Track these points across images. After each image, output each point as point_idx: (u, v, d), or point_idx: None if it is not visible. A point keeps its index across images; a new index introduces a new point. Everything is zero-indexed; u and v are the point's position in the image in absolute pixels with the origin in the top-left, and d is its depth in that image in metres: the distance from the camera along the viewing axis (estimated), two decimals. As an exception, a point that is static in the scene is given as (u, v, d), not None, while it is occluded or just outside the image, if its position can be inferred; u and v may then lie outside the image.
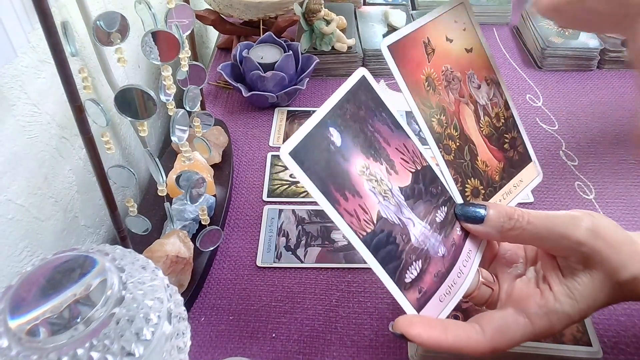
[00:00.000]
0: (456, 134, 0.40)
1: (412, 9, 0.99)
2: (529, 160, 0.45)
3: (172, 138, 0.49)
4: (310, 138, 0.31)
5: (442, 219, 0.37)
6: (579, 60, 0.85)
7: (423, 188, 0.37)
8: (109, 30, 0.42)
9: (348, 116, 0.33)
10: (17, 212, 0.44)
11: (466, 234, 0.39)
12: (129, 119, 0.43)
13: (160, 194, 0.50)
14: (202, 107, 0.71)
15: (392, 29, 0.88)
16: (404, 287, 0.34)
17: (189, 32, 0.53)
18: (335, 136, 0.32)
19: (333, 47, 0.82)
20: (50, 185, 0.48)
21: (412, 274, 0.34)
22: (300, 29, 0.83)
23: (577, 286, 0.35)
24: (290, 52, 0.76)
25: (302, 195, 0.64)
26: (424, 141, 0.39)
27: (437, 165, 0.39)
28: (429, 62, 0.39)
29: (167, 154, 0.69)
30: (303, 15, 0.81)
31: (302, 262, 0.56)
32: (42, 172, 0.47)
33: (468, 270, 0.38)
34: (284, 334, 0.50)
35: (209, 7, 0.87)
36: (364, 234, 0.32)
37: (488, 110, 0.42)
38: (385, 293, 0.53)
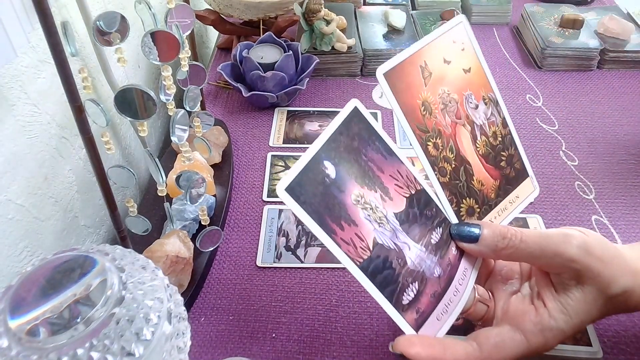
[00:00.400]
0: (452, 156, 0.40)
1: (412, 9, 0.99)
2: (526, 175, 0.46)
3: (172, 138, 0.49)
4: (306, 173, 0.32)
5: (437, 240, 0.38)
6: (579, 60, 0.85)
7: (418, 212, 0.38)
8: (109, 31, 0.42)
9: (342, 148, 0.34)
10: (17, 212, 0.44)
11: (462, 253, 0.40)
12: (129, 119, 0.43)
13: (160, 194, 0.50)
14: (202, 107, 0.71)
15: (392, 29, 0.88)
16: (401, 308, 0.35)
17: (189, 32, 0.53)
18: (330, 169, 0.33)
19: (333, 47, 0.82)
20: (50, 185, 0.48)
21: (409, 295, 0.35)
22: (300, 29, 0.83)
23: (570, 302, 0.36)
24: (290, 52, 0.76)
25: (302, 195, 0.64)
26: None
27: (432, 187, 0.39)
28: (425, 87, 0.39)
29: (167, 154, 0.69)
30: (303, 15, 0.81)
31: (302, 262, 0.56)
32: (42, 172, 0.47)
33: (464, 288, 0.39)
34: (284, 334, 0.50)
35: (209, 7, 0.87)
36: (361, 260, 0.33)
37: (485, 130, 0.43)
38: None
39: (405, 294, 0.35)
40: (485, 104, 0.43)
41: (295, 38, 0.86)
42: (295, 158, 0.70)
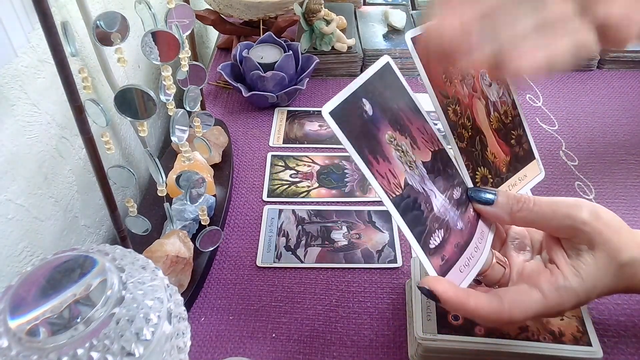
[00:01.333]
0: (469, 124, 0.42)
1: (412, 9, 0.99)
2: (533, 157, 0.47)
3: (172, 138, 0.49)
4: (347, 104, 0.33)
5: (458, 197, 0.40)
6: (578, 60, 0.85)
7: (441, 167, 0.39)
8: (109, 31, 0.42)
9: (377, 92, 0.36)
10: (17, 212, 0.44)
11: (478, 216, 0.41)
12: (129, 119, 0.43)
13: (160, 194, 0.50)
14: (202, 107, 0.71)
15: (392, 29, 0.88)
16: (428, 252, 0.36)
17: (189, 32, 0.53)
18: (367, 106, 0.35)
19: (333, 47, 0.82)
20: (50, 185, 0.48)
21: (435, 240, 0.37)
22: (300, 29, 0.83)
23: (582, 265, 0.37)
24: (290, 52, 0.76)
25: (302, 195, 0.64)
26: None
27: (451, 149, 0.41)
28: None
29: (167, 154, 0.69)
30: (303, 15, 0.81)
31: (302, 262, 0.56)
32: (42, 172, 0.47)
33: (483, 247, 0.40)
34: (284, 334, 0.50)
35: (209, 7, 0.87)
36: (393, 196, 0.34)
37: (497, 107, 0.45)
38: (386, 293, 0.53)
39: (432, 238, 0.36)
40: (498, 84, 0.45)
41: (295, 38, 0.86)
42: (296, 158, 0.70)
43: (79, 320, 0.27)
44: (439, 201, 0.38)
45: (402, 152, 0.36)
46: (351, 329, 0.50)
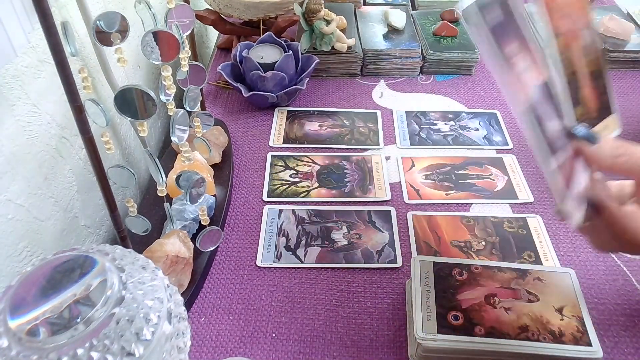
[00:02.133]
0: (569, 61, 0.43)
1: (412, 9, 0.99)
2: (612, 111, 0.48)
3: (172, 138, 0.49)
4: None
5: (561, 128, 0.40)
6: (579, 60, 0.85)
7: (549, 95, 0.39)
8: (109, 31, 0.42)
9: (507, 10, 0.37)
10: (17, 212, 0.44)
11: (577, 158, 0.41)
12: (129, 119, 0.43)
13: (160, 194, 0.50)
14: (202, 107, 0.71)
15: (392, 29, 0.88)
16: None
17: (189, 32, 0.53)
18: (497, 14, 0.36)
19: (333, 47, 0.82)
20: (50, 185, 0.48)
21: (556, 160, 0.37)
22: (300, 29, 0.83)
23: None
24: (290, 52, 0.76)
25: (302, 195, 0.64)
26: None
27: (558, 79, 0.41)
28: None
29: (167, 154, 0.69)
30: (303, 15, 0.81)
31: (302, 262, 0.56)
32: (42, 172, 0.47)
33: (584, 182, 0.40)
34: (284, 334, 0.50)
35: (209, 7, 0.87)
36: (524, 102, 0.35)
37: (590, 52, 0.45)
38: (386, 293, 0.53)
39: (553, 156, 0.37)
40: (591, 33, 0.45)
41: (295, 38, 0.86)
42: (296, 158, 0.70)
43: (79, 320, 0.27)
44: (551, 125, 0.38)
45: (526, 66, 0.37)
46: (351, 329, 0.50)
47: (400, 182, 0.66)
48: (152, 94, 0.41)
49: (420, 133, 0.74)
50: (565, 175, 0.39)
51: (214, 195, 0.62)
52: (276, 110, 0.78)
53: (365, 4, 0.99)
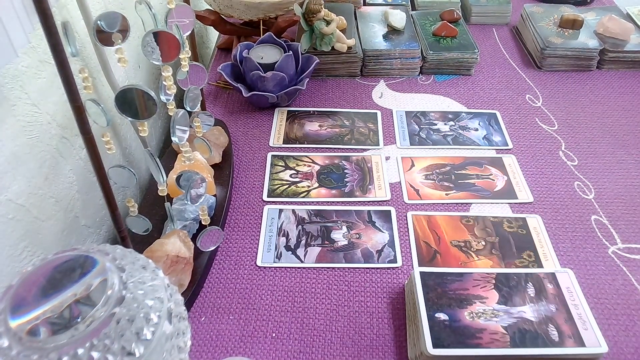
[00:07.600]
0: None
1: (412, 9, 0.99)
2: None
3: (173, 138, 0.49)
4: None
5: None
6: (578, 60, 0.85)
7: None
8: (109, 31, 0.42)
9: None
10: (18, 212, 0.44)
11: None
12: (130, 119, 0.43)
13: (160, 194, 0.50)
14: (203, 107, 0.71)
15: (392, 29, 0.88)
16: None
17: (189, 32, 0.53)
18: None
19: (333, 48, 0.82)
20: (51, 185, 0.48)
21: None
22: (300, 29, 0.83)
23: None
24: (290, 52, 0.76)
25: (302, 195, 0.64)
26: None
27: None
28: None
29: (167, 154, 0.69)
30: (303, 15, 0.81)
31: (302, 262, 0.56)
32: (42, 172, 0.47)
33: None
34: (284, 334, 0.50)
35: (209, 8, 0.87)
36: None
37: None
38: (386, 293, 0.53)
39: None
40: None
41: (295, 38, 0.86)
42: (296, 158, 0.70)
43: (79, 320, 0.27)
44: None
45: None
46: (351, 329, 0.50)
47: (400, 182, 0.66)
48: (152, 94, 0.42)
49: (420, 133, 0.74)
50: None
51: (214, 195, 0.62)
52: (276, 110, 0.78)
53: (365, 4, 0.99)
